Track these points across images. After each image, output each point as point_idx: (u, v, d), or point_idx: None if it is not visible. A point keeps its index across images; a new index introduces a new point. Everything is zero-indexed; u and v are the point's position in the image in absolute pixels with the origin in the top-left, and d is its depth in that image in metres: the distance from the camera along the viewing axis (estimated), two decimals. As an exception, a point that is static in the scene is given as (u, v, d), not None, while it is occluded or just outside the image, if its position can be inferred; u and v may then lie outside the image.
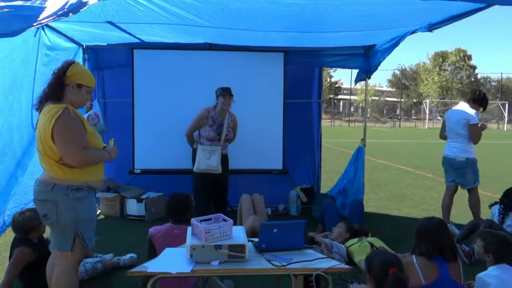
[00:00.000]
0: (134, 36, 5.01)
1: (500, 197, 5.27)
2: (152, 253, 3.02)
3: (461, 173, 4.95)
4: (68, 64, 2.69)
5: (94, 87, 2.84)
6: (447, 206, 5.10)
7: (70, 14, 2.34)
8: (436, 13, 3.71)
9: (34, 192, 2.68)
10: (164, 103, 5.53)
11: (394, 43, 4.94)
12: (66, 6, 2.31)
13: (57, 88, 2.65)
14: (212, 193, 4.95)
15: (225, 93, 4.75)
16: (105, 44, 5.38)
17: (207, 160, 4.74)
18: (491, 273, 2.75)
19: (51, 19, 2.33)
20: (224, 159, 4.94)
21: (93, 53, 5.46)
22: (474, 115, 4.86)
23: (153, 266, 2.41)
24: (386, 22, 4.18)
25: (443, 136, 5.25)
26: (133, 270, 2.39)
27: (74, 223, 2.65)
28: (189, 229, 2.65)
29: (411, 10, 3.64)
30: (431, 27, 4.13)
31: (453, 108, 5.32)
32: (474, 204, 5.01)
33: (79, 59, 5.19)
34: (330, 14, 3.85)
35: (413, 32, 4.48)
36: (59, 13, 2.31)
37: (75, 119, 2.64)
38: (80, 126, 2.67)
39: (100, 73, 5.74)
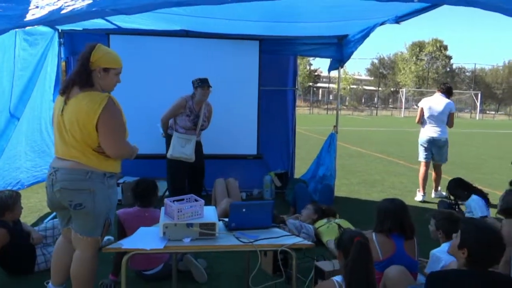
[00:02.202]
0: (111, 22, 5.04)
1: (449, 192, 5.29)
2: (122, 234, 3.14)
3: (441, 151, 6.32)
4: (91, 49, 2.61)
5: (121, 67, 2.74)
6: (424, 179, 6.41)
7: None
8: (401, 6, 3.89)
9: (61, 181, 2.57)
10: (140, 89, 5.59)
11: (365, 34, 5.13)
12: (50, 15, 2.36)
13: (85, 75, 2.59)
14: (187, 178, 5.07)
15: (203, 84, 4.82)
16: (81, 29, 5.38)
17: (182, 148, 4.83)
18: (443, 249, 3.01)
19: (35, 25, 2.38)
20: (198, 146, 5.04)
21: (68, 38, 5.45)
22: (453, 106, 6.33)
23: (127, 243, 2.55)
24: (355, 13, 4.33)
25: (420, 121, 6.46)
26: (108, 247, 2.52)
27: (107, 210, 2.69)
28: (162, 209, 2.80)
29: (378, 3, 3.80)
30: (398, 19, 4.33)
31: (429, 98, 6.55)
32: (437, 178, 6.51)
33: (55, 43, 5.19)
34: (302, 5, 3.99)
35: (382, 24, 4.67)
36: (42, 21, 2.37)
37: (119, 109, 2.65)
38: (122, 116, 2.67)
39: (76, 58, 5.72)
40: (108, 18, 4.76)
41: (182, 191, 4.90)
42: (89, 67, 2.60)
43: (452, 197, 4.97)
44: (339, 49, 5.86)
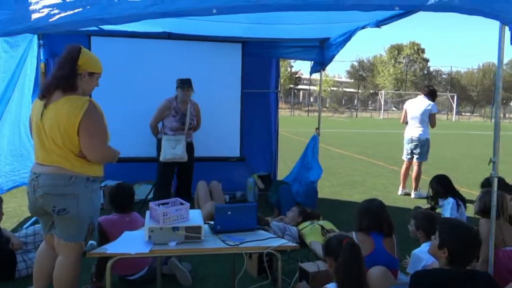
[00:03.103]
0: (92, 23, 4.98)
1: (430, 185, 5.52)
2: (104, 242, 3.06)
3: (422, 149, 6.62)
4: (78, 52, 2.58)
5: (102, 73, 2.74)
6: (405, 175, 6.88)
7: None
8: (383, 11, 3.96)
9: (43, 186, 2.53)
10: (121, 92, 5.52)
11: (347, 37, 5.20)
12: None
13: (72, 79, 2.56)
14: (171, 183, 5.10)
15: (183, 85, 4.88)
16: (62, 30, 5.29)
17: (173, 150, 4.90)
18: (424, 249, 3.09)
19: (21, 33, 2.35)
20: (189, 147, 5.11)
21: (48, 39, 5.34)
22: (435, 107, 6.64)
23: (112, 248, 2.54)
24: (337, 16, 4.38)
25: (404, 122, 6.89)
26: (93, 252, 2.50)
27: (91, 214, 2.64)
28: (147, 213, 2.78)
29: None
30: (378, 23, 4.41)
31: (413, 100, 7.00)
32: (416, 176, 6.71)
33: (35, 45, 5.09)
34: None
35: (363, 28, 4.75)
36: (27, 29, 2.34)
37: (100, 113, 2.61)
38: (104, 120, 2.64)
39: (56, 61, 5.63)
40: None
41: (167, 194, 4.91)
42: (76, 70, 2.57)
43: (431, 192, 5.08)
44: (321, 52, 5.92)
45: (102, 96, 5.43)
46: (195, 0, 2.41)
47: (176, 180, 5.25)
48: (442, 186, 4.88)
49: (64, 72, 2.55)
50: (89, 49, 5.34)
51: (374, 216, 3.03)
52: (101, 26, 5.08)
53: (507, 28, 2.56)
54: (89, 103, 2.56)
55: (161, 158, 4.92)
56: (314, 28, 5.09)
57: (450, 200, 4.76)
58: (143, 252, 2.47)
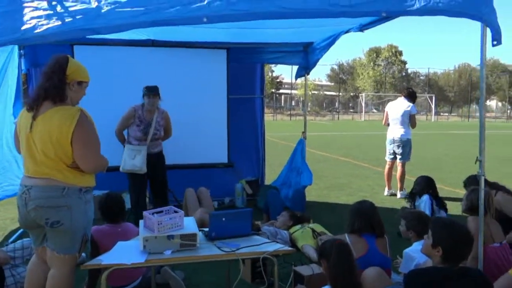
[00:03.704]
0: (74, 32, 4.91)
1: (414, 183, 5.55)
2: (95, 254, 3.02)
3: (404, 149, 6.80)
4: (65, 61, 2.56)
5: (89, 81, 2.72)
6: (389, 176, 7.04)
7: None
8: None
9: (35, 199, 2.48)
10: (106, 101, 5.45)
11: (330, 42, 5.28)
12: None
13: (62, 89, 2.53)
14: (145, 191, 4.96)
15: (149, 92, 4.69)
16: (43, 39, 5.22)
17: (132, 160, 4.69)
18: (415, 248, 3.15)
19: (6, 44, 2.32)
20: (159, 156, 4.92)
21: (30, 49, 5.27)
22: (414, 108, 6.82)
23: (107, 258, 2.50)
24: (321, 20, 4.43)
25: (386, 124, 7.04)
26: (87, 264, 2.46)
27: (85, 225, 2.60)
28: (141, 222, 2.76)
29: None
30: (362, 27, 4.49)
31: (393, 102, 7.12)
32: (401, 176, 6.84)
33: (15, 55, 5.00)
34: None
35: (346, 32, 4.83)
36: (14, 40, 2.31)
37: (92, 122, 2.58)
38: (95, 129, 2.61)
39: (38, 71, 5.54)
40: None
41: (139, 204, 4.75)
42: (65, 80, 2.54)
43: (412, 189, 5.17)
44: (304, 56, 5.99)
45: (86, 105, 5.37)
46: (185, 9, 2.41)
47: (150, 191, 5.09)
48: (417, 185, 5.01)
49: (53, 82, 2.52)
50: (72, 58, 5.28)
51: (366, 217, 3.06)
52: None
53: (488, 30, 2.66)
54: (81, 113, 2.54)
55: (121, 169, 4.73)
56: (298, 33, 5.14)
57: (424, 198, 4.88)
58: (139, 262, 2.45)
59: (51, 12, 2.32)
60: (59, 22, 2.31)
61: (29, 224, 2.61)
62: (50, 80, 2.53)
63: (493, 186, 4.18)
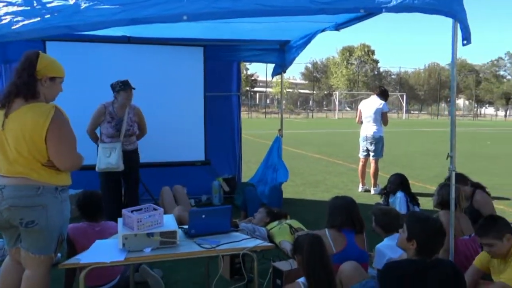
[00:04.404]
0: (47, 27, 4.79)
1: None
2: (72, 252, 2.98)
3: (376, 146, 6.96)
4: (35, 57, 2.48)
5: (64, 76, 2.65)
6: (362, 172, 7.17)
7: None
8: (342, 14, 4.11)
9: (9, 199, 2.41)
10: (80, 99, 5.32)
11: (306, 40, 5.35)
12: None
13: (33, 86, 2.47)
14: (119, 192, 4.84)
15: (126, 87, 4.59)
16: (13, 34, 5.06)
17: (107, 159, 4.58)
18: (386, 243, 3.26)
19: None
20: (132, 155, 4.81)
21: (0, 45, 5.12)
22: (386, 106, 7.00)
23: (85, 257, 2.47)
24: (297, 17, 4.45)
25: (360, 122, 7.18)
26: (65, 263, 2.42)
27: (61, 225, 2.54)
28: (120, 220, 2.73)
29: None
30: (338, 27, 4.57)
31: (366, 100, 7.30)
32: (374, 172, 7.00)
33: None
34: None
35: (323, 31, 4.90)
36: None
37: (67, 119, 2.52)
38: (70, 126, 2.55)
39: (8, 67, 5.38)
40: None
41: (112, 207, 4.52)
42: (35, 76, 2.48)
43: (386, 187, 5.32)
44: (281, 54, 6.05)
45: (59, 103, 5.27)
46: (165, 6, 2.40)
47: (124, 190, 4.95)
48: (391, 183, 5.17)
49: (23, 79, 2.46)
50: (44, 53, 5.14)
51: (347, 213, 3.11)
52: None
53: (459, 30, 2.77)
54: (55, 109, 2.49)
55: (96, 168, 4.59)
56: (275, 29, 5.14)
57: (398, 195, 5.04)
58: (118, 260, 2.43)
59: (27, 8, 2.26)
60: (35, 19, 2.26)
61: (2, 224, 2.54)
62: (20, 77, 2.48)
63: (475, 186, 4.36)
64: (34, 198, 2.44)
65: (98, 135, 4.82)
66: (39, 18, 2.26)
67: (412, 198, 5.08)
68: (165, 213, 4.82)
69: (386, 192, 5.27)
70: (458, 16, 2.68)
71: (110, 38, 5.37)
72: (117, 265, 2.64)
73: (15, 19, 2.26)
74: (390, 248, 3.19)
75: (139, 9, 2.37)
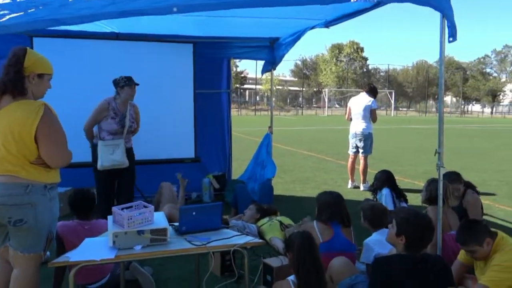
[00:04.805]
0: (34, 23, 4.73)
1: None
2: (61, 250, 2.97)
3: (365, 143, 7.05)
4: (23, 53, 2.45)
5: (53, 73, 2.62)
6: (352, 169, 7.24)
7: None
8: (331, 11, 4.12)
9: None
10: (68, 96, 5.25)
11: (296, 37, 5.36)
12: None
13: (20, 83, 2.43)
14: (114, 191, 4.78)
15: (131, 83, 4.54)
16: (-1, 30, 4.98)
17: (111, 156, 4.50)
18: (373, 238, 3.32)
19: None
20: (129, 153, 4.74)
21: (-15, 40, 5.02)
22: (374, 103, 7.04)
23: (75, 255, 2.46)
24: (288, 11, 4.43)
25: (349, 118, 7.23)
26: (55, 261, 2.40)
27: (50, 223, 2.51)
28: (110, 217, 2.72)
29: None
30: (327, 24, 4.59)
31: (355, 97, 7.36)
32: (363, 169, 7.08)
33: (-31, 46, 4.75)
34: None
35: (312, 28, 4.91)
36: None
37: (56, 116, 2.49)
38: (60, 123, 2.52)
39: (2, 65, 5.28)
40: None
41: (106, 207, 4.39)
42: (23, 73, 2.45)
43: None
44: (271, 51, 6.04)
45: (47, 100, 5.20)
46: (154, -2, 2.38)
47: (118, 187, 4.83)
48: (377, 180, 5.21)
49: (10, 76, 2.43)
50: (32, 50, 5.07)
51: (334, 207, 3.18)
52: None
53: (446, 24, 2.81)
54: (44, 107, 2.46)
55: (99, 166, 4.49)
56: (265, 26, 5.13)
57: (384, 191, 5.08)
58: (108, 257, 2.42)
59: (13, 2, 2.23)
60: (22, 12, 2.23)
61: None
62: (7, 74, 2.44)
63: (466, 185, 4.40)
64: (23, 197, 2.41)
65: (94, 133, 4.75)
66: (25, 12, 2.22)
67: (398, 194, 5.11)
68: (159, 209, 4.86)
69: (374, 189, 5.32)
70: (446, 12, 2.72)
71: (99, 35, 5.32)
72: (108, 263, 2.62)
73: (1, 12, 2.22)
74: (378, 243, 3.23)
75: (129, 1, 2.34)
